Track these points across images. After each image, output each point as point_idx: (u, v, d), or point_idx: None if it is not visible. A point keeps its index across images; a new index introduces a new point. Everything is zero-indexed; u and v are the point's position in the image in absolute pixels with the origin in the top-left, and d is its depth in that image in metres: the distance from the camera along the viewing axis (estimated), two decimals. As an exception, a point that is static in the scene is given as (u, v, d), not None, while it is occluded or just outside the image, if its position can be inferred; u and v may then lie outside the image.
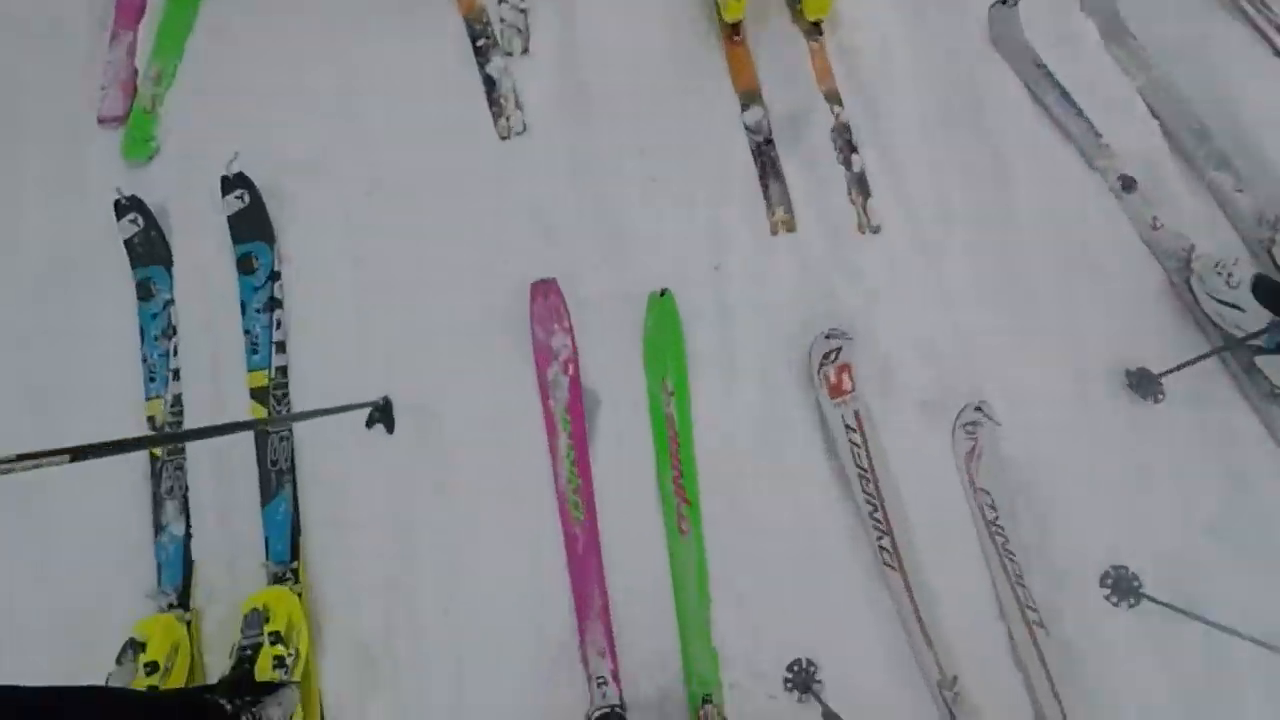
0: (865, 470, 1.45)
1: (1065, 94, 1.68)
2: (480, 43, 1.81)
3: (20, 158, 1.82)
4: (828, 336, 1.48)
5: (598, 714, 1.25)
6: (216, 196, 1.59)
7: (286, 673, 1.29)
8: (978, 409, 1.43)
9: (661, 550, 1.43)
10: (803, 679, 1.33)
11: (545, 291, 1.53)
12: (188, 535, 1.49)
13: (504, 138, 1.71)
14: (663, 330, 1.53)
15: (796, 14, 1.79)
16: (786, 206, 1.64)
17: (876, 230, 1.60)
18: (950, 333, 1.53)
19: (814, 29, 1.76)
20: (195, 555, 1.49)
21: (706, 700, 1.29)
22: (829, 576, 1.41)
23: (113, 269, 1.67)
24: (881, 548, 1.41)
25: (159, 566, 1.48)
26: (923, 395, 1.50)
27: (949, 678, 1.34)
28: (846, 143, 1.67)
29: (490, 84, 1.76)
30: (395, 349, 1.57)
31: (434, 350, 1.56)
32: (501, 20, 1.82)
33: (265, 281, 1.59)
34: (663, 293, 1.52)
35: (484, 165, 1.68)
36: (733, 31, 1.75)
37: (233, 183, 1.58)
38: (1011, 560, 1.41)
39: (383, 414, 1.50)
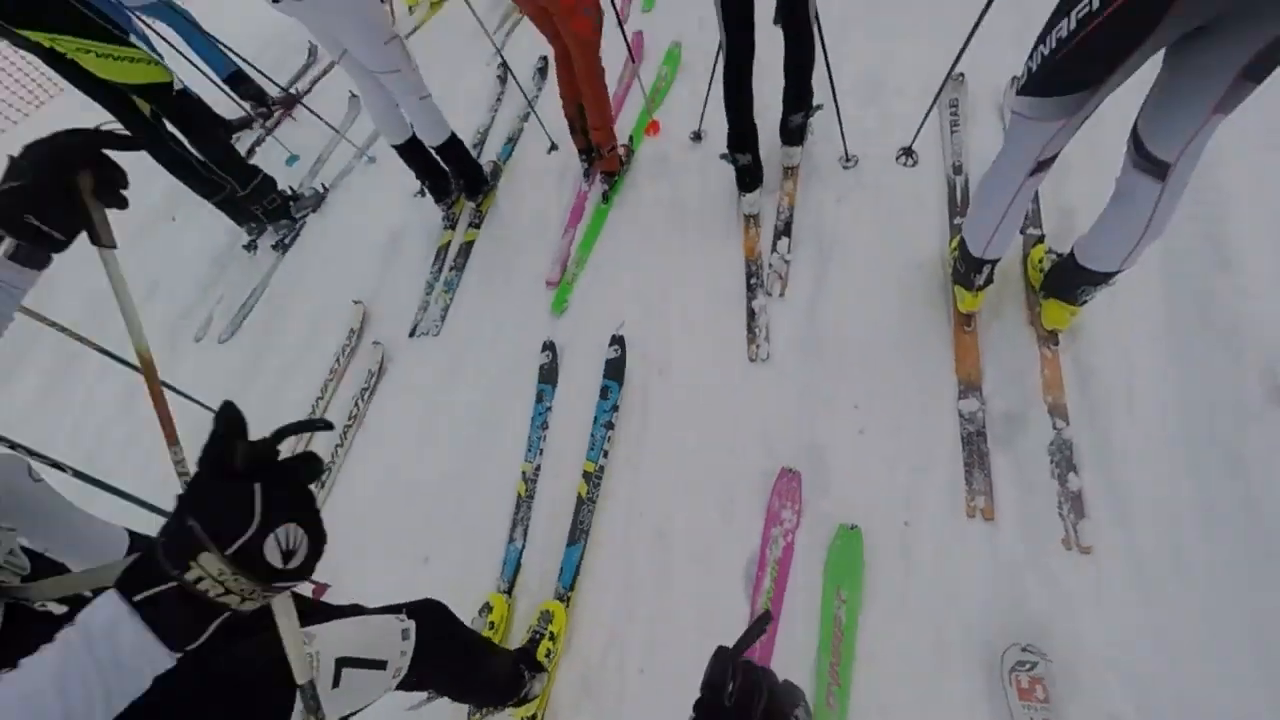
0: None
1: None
2: (752, 281, 2.35)
3: (504, 295, 2.93)
4: (1024, 649, 1.43)
5: None
6: (602, 346, 2.33)
7: (548, 659, 1.75)
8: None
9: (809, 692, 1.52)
10: None
11: (790, 481, 1.82)
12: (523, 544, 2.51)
13: (751, 360, 2.12)
14: (845, 559, 1.64)
15: (1035, 316, 1.84)
16: (988, 497, 1.63)
17: (1086, 552, 1.51)
18: (1167, 694, 1.33)
19: (1050, 337, 1.80)
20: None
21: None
22: None
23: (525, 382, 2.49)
24: None
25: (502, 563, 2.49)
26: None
27: None
28: (1066, 459, 1.62)
29: (751, 315, 2.26)
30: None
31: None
32: (769, 266, 2.35)
33: (609, 409, 2.17)
34: (852, 527, 1.63)
35: (733, 380, 2.12)
36: (965, 320, 1.90)
37: (617, 340, 2.33)
38: None
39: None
